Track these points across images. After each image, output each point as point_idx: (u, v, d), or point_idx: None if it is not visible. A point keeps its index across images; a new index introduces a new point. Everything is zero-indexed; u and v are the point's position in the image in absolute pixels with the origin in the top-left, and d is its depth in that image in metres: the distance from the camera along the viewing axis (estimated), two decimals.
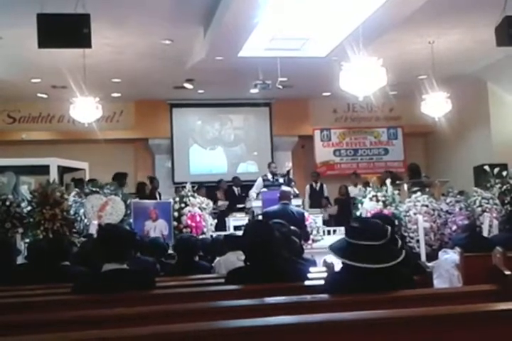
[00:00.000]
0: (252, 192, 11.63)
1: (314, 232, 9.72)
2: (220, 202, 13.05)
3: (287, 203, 8.49)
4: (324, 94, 14.84)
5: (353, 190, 13.67)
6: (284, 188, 8.95)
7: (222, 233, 8.73)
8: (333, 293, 3.14)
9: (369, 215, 7.91)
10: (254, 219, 10.10)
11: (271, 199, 10.52)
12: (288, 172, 12.09)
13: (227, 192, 13.79)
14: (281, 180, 11.56)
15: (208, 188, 12.94)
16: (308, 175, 15.31)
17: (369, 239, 3.19)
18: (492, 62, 12.63)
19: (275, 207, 8.45)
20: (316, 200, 13.91)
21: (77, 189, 9.12)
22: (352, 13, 9.30)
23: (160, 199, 12.08)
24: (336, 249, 3.28)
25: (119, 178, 10.77)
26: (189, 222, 8.26)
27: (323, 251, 7.27)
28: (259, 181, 11.68)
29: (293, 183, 11.45)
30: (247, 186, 13.30)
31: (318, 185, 14.38)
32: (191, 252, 5.44)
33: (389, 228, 3.32)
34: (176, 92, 14.57)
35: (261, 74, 11.85)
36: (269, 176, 11.69)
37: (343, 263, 3.24)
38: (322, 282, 3.39)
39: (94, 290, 3.56)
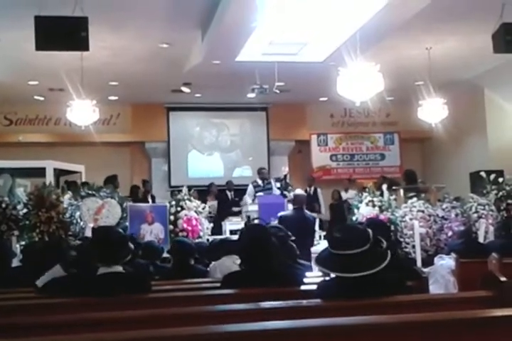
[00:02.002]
0: (247, 198, 11.64)
1: None
2: (208, 203, 13.03)
3: (301, 208, 8.45)
4: (321, 99, 14.86)
5: (345, 196, 13.73)
6: (298, 192, 8.88)
7: (219, 237, 8.73)
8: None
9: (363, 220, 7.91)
10: (250, 223, 10.08)
11: (267, 203, 10.53)
12: (285, 176, 12.08)
13: (219, 196, 13.79)
14: (278, 185, 11.55)
15: (200, 192, 12.94)
16: (306, 179, 15.32)
17: (351, 248, 3.19)
18: (489, 69, 12.66)
19: (290, 212, 8.44)
20: (310, 205, 13.92)
21: (69, 191, 9.10)
22: (350, 18, 9.32)
23: (154, 202, 12.09)
24: (321, 262, 3.30)
25: (111, 181, 10.75)
26: (185, 225, 8.25)
27: None
28: (250, 188, 11.68)
29: (290, 188, 11.44)
30: (240, 190, 13.32)
31: (312, 189, 14.35)
32: (187, 255, 5.43)
33: (370, 231, 3.31)
34: (173, 96, 14.57)
35: (258, 78, 11.85)
36: (259, 182, 11.70)
37: None
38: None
39: (90, 293, 3.56)
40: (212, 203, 13.10)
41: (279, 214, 8.79)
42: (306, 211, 8.67)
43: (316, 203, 14.05)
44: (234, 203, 13.25)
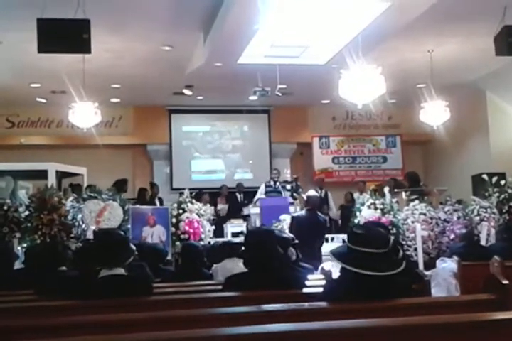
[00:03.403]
0: (258, 198, 11.69)
1: None
2: (219, 206, 13.07)
3: (314, 209, 8.44)
4: (323, 101, 14.86)
5: (358, 198, 13.66)
6: (311, 194, 8.87)
7: (220, 239, 8.74)
8: (332, 301, 3.14)
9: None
10: (255, 225, 10.08)
11: (269, 206, 10.53)
12: (296, 179, 12.07)
13: (229, 198, 13.81)
14: (288, 187, 11.57)
15: (210, 194, 13.02)
16: (308, 182, 15.30)
17: (371, 247, 3.19)
18: (491, 71, 12.65)
19: (303, 213, 8.44)
20: (319, 207, 13.89)
21: (74, 194, 9.10)
22: (351, 21, 9.32)
23: (162, 204, 12.09)
24: (338, 254, 3.29)
25: (120, 184, 10.76)
26: (187, 228, 8.25)
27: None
28: (262, 187, 11.74)
29: (300, 190, 11.44)
30: (249, 193, 13.34)
31: (323, 192, 14.31)
32: (196, 259, 5.44)
33: (391, 237, 3.32)
34: (175, 98, 14.58)
35: (260, 81, 11.85)
36: (271, 182, 11.77)
37: (342, 269, 3.24)
38: (320, 289, 3.38)
39: (91, 295, 3.56)
40: (223, 206, 13.14)
41: (293, 214, 8.80)
42: (319, 213, 8.67)
43: (326, 205, 14.02)
44: (243, 206, 13.26)
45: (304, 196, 9.14)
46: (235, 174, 16.13)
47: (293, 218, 8.37)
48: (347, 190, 14.40)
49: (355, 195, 14.11)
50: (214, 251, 6.04)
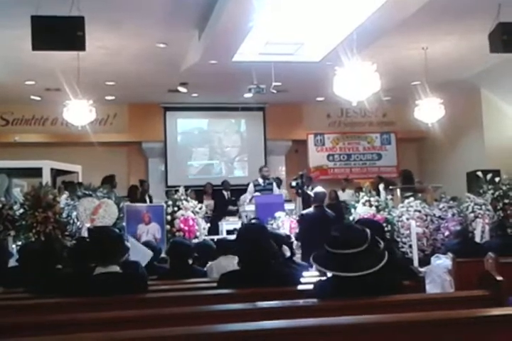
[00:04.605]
0: (246, 197, 11.62)
1: None
2: (205, 202, 13.06)
3: (322, 206, 8.40)
4: (318, 98, 14.86)
5: (342, 195, 13.70)
6: (318, 190, 8.83)
7: (215, 237, 8.74)
8: (321, 298, 3.15)
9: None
10: (249, 222, 10.06)
11: (264, 203, 10.53)
12: (302, 175, 11.98)
13: (215, 196, 13.80)
14: (293, 183, 11.53)
15: (197, 192, 13.00)
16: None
17: (349, 247, 3.19)
18: (485, 69, 12.67)
19: (311, 210, 8.39)
20: (308, 205, 13.89)
21: (66, 192, 9.08)
22: (346, 18, 9.33)
23: (151, 202, 12.07)
24: (319, 261, 3.30)
25: (109, 181, 10.73)
26: (182, 225, 8.25)
27: None
28: (251, 186, 11.64)
29: (305, 187, 11.40)
30: (237, 190, 13.33)
31: (310, 189, 14.29)
32: (184, 256, 5.42)
33: (368, 231, 3.30)
34: (170, 96, 14.57)
35: (255, 78, 11.85)
36: (260, 181, 11.65)
37: None
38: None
39: (86, 293, 3.55)
40: (209, 202, 13.12)
41: (301, 212, 8.78)
42: (328, 210, 8.65)
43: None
44: (230, 202, 13.24)
45: (311, 193, 9.12)
46: (229, 171, 16.13)
47: (302, 216, 8.36)
48: (342, 187, 14.43)
49: (339, 192, 14.16)
50: (206, 249, 6.03)
